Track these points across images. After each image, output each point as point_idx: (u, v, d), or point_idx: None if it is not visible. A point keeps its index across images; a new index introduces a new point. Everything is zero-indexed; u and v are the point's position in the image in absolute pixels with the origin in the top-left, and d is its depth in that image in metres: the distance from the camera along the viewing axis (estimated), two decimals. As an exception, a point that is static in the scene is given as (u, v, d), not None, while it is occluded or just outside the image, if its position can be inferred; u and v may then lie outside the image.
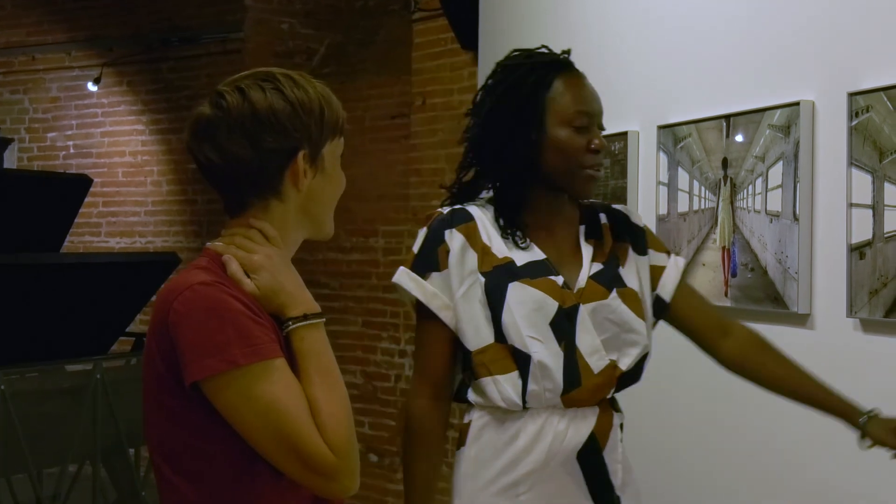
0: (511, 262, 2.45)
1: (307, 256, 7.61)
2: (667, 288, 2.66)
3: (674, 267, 2.68)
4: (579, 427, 2.47)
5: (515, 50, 2.67)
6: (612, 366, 2.52)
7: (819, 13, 3.49)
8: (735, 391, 3.60)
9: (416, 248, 2.51)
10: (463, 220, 2.48)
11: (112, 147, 9.44)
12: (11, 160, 9.59)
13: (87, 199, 6.38)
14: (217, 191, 2.02)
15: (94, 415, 5.26)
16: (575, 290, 2.48)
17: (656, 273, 2.67)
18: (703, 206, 4.01)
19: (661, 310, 2.67)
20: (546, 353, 2.43)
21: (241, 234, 1.95)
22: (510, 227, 2.49)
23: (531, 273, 2.44)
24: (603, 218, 2.64)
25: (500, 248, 2.46)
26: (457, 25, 6.45)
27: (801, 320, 3.52)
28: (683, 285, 2.70)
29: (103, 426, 5.32)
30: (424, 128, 6.83)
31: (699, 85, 4.06)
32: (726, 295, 3.85)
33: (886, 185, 3.18)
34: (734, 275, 3.82)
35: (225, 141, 1.92)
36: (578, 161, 2.48)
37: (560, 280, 2.47)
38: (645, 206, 4.32)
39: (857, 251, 3.27)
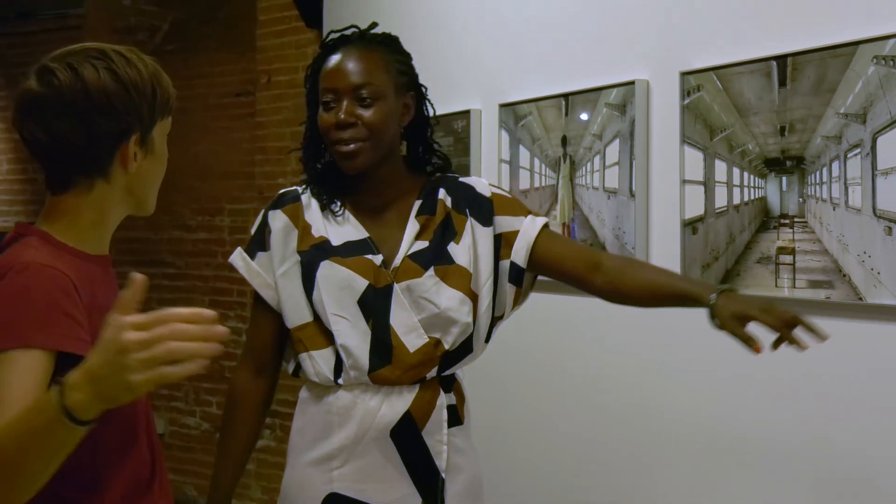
0: (326, 241, 2.46)
1: (152, 235, 7.51)
2: (520, 254, 2.60)
3: (529, 228, 2.61)
4: (393, 405, 2.45)
5: (332, 31, 2.67)
6: (433, 344, 2.49)
7: (653, -5, 3.56)
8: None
9: (252, 230, 2.54)
10: (290, 201, 2.50)
11: (-54, 125, 9.20)
12: None
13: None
14: (42, 166, 1.94)
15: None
16: (391, 270, 2.48)
17: (509, 239, 2.62)
18: (543, 184, 4.04)
19: (519, 275, 2.63)
20: (352, 331, 2.43)
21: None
22: (329, 204, 2.50)
23: (346, 252, 2.45)
24: (441, 193, 2.62)
25: (319, 227, 2.48)
26: (301, 2, 6.40)
27: (638, 294, 3.56)
28: (542, 240, 2.61)
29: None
30: (269, 105, 6.77)
31: (539, 64, 4.08)
32: (566, 270, 3.87)
33: (717, 163, 3.24)
34: (574, 250, 3.85)
35: (54, 120, 1.83)
36: (329, 138, 2.48)
37: (378, 259, 2.47)
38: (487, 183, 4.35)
39: (690, 226, 3.34)
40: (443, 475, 2.50)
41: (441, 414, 2.52)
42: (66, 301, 1.76)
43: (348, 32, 2.60)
